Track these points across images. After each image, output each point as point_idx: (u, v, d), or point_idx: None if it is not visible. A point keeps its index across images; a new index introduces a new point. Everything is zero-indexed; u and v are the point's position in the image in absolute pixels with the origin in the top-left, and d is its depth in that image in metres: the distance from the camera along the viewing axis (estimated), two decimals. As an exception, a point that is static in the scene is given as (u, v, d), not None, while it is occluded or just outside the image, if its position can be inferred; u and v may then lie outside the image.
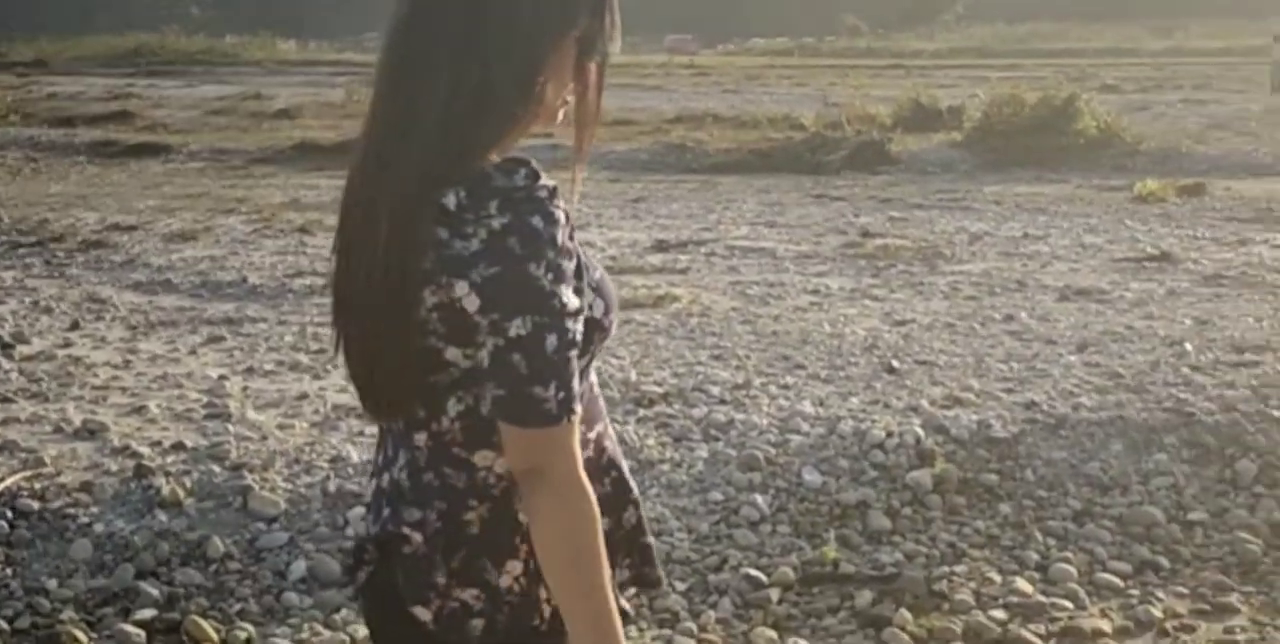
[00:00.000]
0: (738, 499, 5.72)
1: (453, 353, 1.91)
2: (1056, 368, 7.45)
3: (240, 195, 16.19)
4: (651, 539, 2.18)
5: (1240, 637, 4.96)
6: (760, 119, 25.50)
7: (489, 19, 1.89)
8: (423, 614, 1.98)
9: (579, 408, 1.89)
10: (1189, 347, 7.86)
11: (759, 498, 5.75)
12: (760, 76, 43.96)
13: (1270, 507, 5.95)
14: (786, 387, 7.08)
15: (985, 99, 23.14)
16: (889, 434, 6.24)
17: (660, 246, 11.92)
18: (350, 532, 5.30)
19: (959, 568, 5.38)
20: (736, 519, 5.64)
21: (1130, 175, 18.72)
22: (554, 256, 1.82)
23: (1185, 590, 5.33)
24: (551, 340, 1.83)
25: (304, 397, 6.90)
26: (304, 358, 7.72)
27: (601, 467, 2.06)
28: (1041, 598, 5.19)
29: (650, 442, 6.16)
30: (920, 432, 6.27)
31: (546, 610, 2.01)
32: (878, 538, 5.61)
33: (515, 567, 1.99)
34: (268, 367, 7.56)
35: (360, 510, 5.36)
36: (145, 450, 6.00)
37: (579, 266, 1.88)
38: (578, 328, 1.87)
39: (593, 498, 1.90)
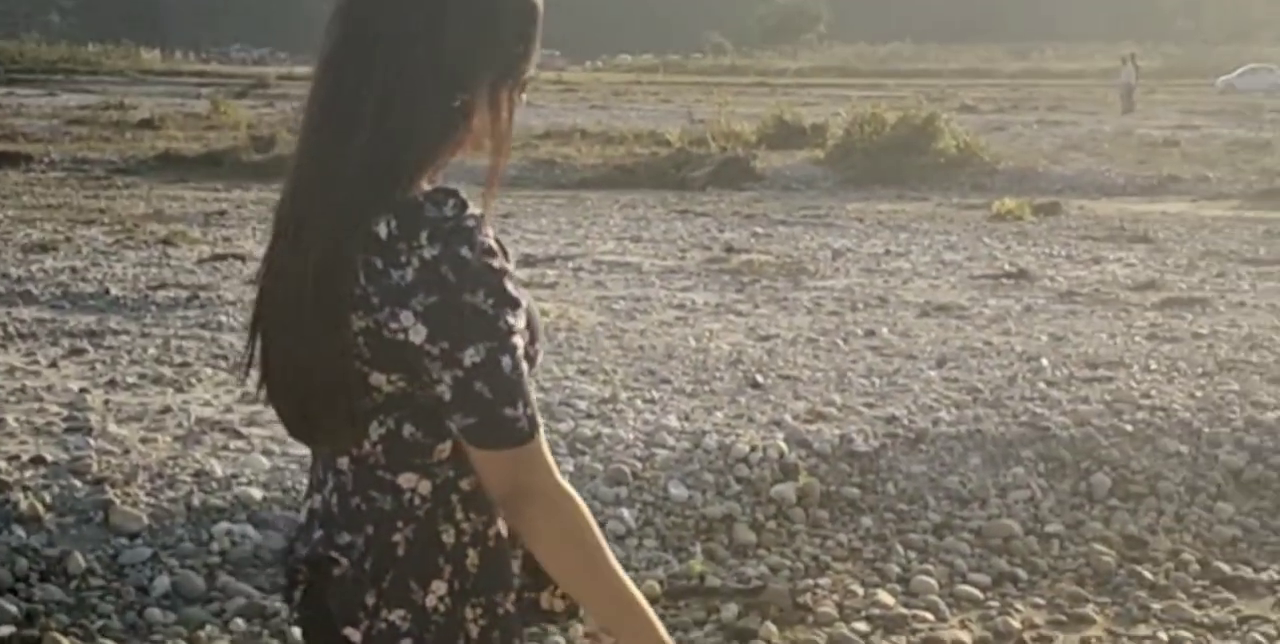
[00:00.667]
0: (604, 513, 5.74)
1: (377, 378, 1.93)
2: (917, 383, 7.57)
3: (102, 206, 15.94)
4: None
5: (1095, 646, 5.08)
6: (627, 135, 25.63)
7: (416, 53, 1.92)
8: (353, 635, 2.00)
9: (542, 421, 1.93)
10: (1045, 362, 8.04)
11: (625, 512, 5.78)
12: (627, 93, 44.17)
13: (1124, 519, 6.10)
14: (652, 401, 7.12)
15: (847, 117, 23.50)
16: (753, 448, 6.30)
17: (528, 261, 11.92)
18: (215, 547, 5.24)
19: (823, 580, 5.45)
20: (603, 533, 5.65)
21: (988, 194, 19.11)
22: (489, 283, 1.86)
23: (1042, 601, 5.45)
24: (506, 362, 1.87)
25: (167, 410, 6.81)
26: (167, 371, 7.61)
27: None
28: (903, 610, 5.27)
29: (517, 456, 6.15)
30: (784, 446, 6.34)
31: (473, 630, 2.03)
32: (743, 551, 5.66)
33: (440, 587, 2.01)
34: (130, 380, 7.44)
35: (226, 526, 5.31)
36: (2, 464, 5.88)
37: (515, 290, 1.91)
38: (522, 345, 1.90)
39: (577, 496, 1.96)
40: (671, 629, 5.04)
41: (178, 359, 7.90)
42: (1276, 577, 5.69)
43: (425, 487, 1.99)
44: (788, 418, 6.78)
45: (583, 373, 7.71)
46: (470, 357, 1.85)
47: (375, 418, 1.97)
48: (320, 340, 1.92)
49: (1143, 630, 5.20)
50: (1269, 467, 6.53)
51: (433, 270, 1.85)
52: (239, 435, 6.34)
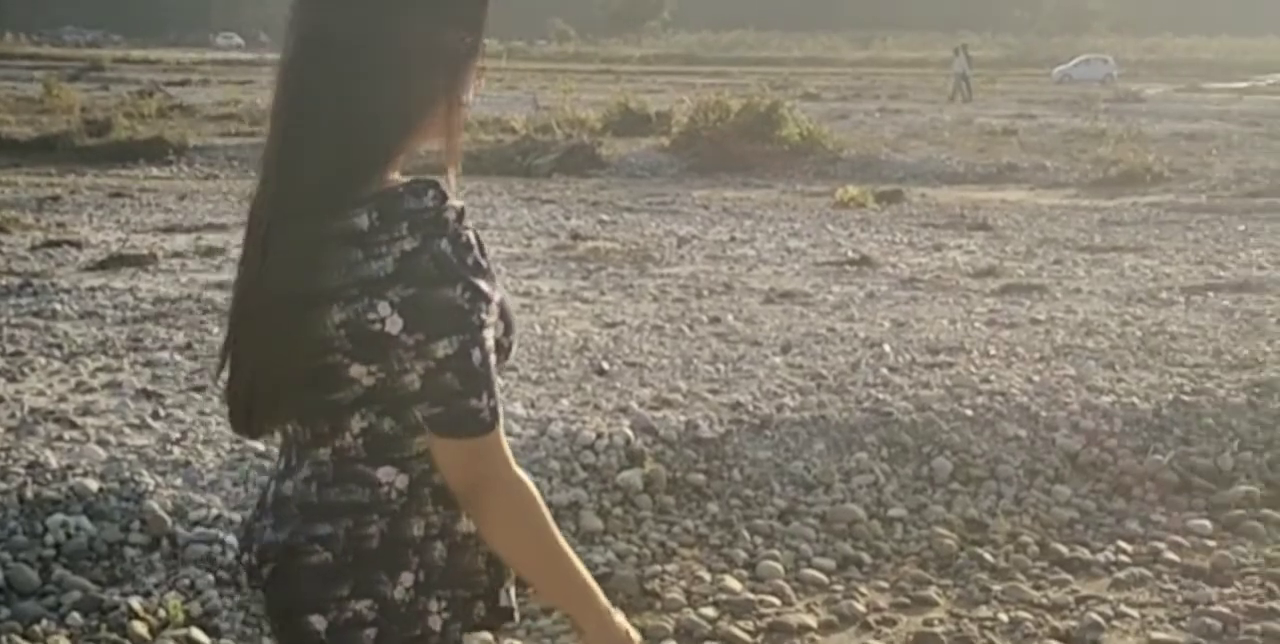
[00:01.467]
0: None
1: (357, 370, 1.97)
2: (761, 369, 7.61)
3: (-73, 191, 15.47)
4: None
5: (938, 628, 5.14)
6: (471, 122, 25.38)
7: (371, 50, 1.97)
8: (318, 623, 2.05)
9: (502, 413, 2.00)
10: (887, 348, 8.13)
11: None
12: (471, 78, 43.77)
13: (965, 502, 6.18)
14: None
15: (692, 105, 23.58)
16: (599, 435, 6.28)
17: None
18: (50, 539, 5.09)
19: (670, 567, 5.46)
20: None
21: (832, 181, 19.31)
22: (467, 275, 1.92)
23: (886, 585, 5.51)
24: (476, 355, 1.93)
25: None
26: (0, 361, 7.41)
27: None
28: (750, 595, 5.30)
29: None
30: (630, 433, 6.34)
31: (435, 623, 2.09)
32: (590, 538, 5.64)
33: (407, 578, 2.06)
34: (-44, 370, 7.22)
35: (60, 518, 5.16)
36: None
37: (489, 282, 1.96)
38: (492, 338, 1.97)
39: (532, 485, 2.02)
40: (519, 617, 5.03)
41: (9, 348, 7.68)
42: (1112, 557, 5.80)
43: (402, 481, 2.05)
44: (634, 405, 6.78)
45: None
46: (443, 348, 1.91)
47: (357, 411, 2.01)
48: (287, 331, 1.96)
49: (984, 612, 5.28)
50: (1104, 450, 6.66)
51: (411, 261, 1.90)
52: (74, 425, 6.18)
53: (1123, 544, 5.93)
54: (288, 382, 2.00)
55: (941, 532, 5.93)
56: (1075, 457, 6.61)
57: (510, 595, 2.20)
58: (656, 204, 16.13)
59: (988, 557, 5.75)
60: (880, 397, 7.03)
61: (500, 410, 1.99)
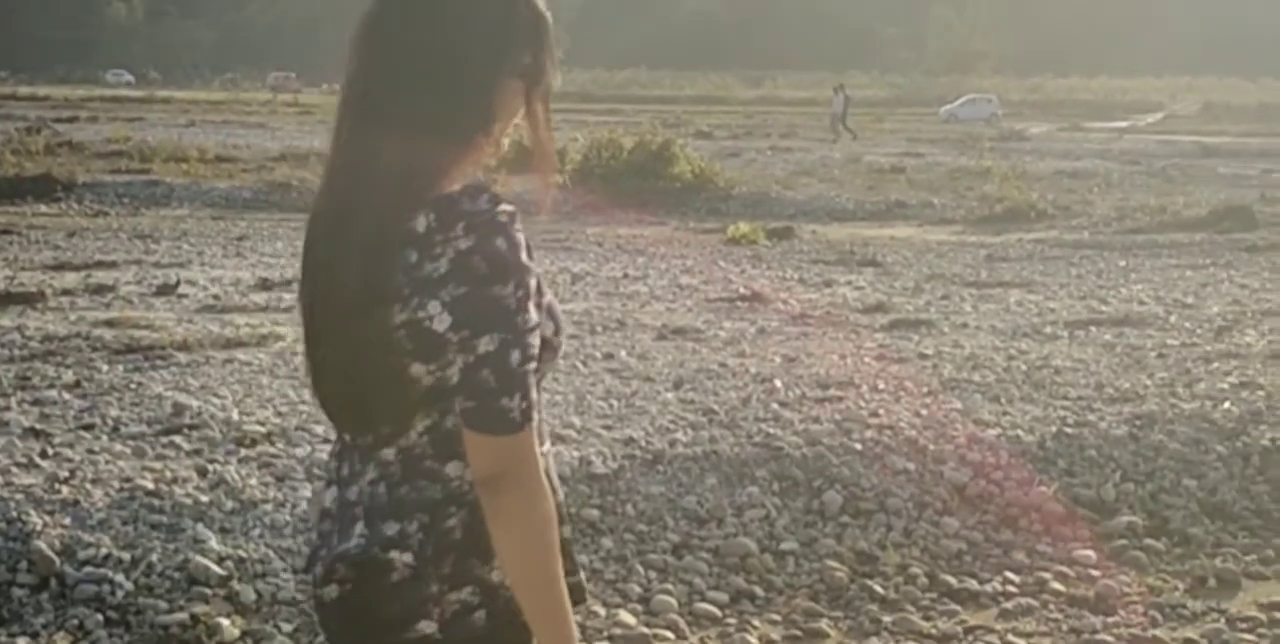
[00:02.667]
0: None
1: (417, 369, 2.05)
2: (654, 405, 7.66)
3: None
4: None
5: (828, 659, 5.20)
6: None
7: (440, 64, 2.08)
8: (427, 627, 2.10)
9: (536, 416, 2.06)
10: (778, 383, 8.20)
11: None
12: (363, 115, 43.64)
13: (855, 535, 6.26)
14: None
15: (585, 142, 23.65)
16: (494, 472, 6.27)
17: (264, 285, 11.73)
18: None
19: (563, 602, 5.46)
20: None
21: (724, 218, 19.47)
22: (518, 276, 2.01)
23: (779, 617, 5.56)
24: (515, 355, 2.01)
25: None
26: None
27: (550, 484, 2.17)
28: (644, 629, 5.32)
29: (253, 481, 6.04)
30: (525, 469, 6.33)
31: None
32: (484, 575, 5.64)
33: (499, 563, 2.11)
34: None
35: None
36: None
37: (538, 285, 2.07)
38: (536, 342, 2.04)
39: (551, 497, 2.08)
40: None
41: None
42: (1000, 588, 5.91)
43: (470, 473, 2.08)
44: (528, 441, 6.77)
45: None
46: (485, 344, 2.00)
47: (420, 410, 2.09)
48: (367, 335, 2.05)
49: (874, 643, 5.35)
50: (991, 482, 6.77)
51: (466, 260, 2.00)
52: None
53: (1010, 575, 6.04)
54: (368, 380, 2.07)
55: (832, 564, 5.99)
56: (963, 489, 6.71)
57: (581, 577, 2.28)
58: (551, 241, 16.17)
59: (878, 588, 5.82)
60: (771, 431, 7.10)
61: (534, 413, 2.04)
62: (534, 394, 2.04)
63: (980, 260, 15.35)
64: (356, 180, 2.08)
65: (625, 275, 13.24)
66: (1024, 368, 8.90)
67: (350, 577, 2.11)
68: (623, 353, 9.15)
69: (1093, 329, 10.48)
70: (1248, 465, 7.20)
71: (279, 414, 7.09)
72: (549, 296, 2.13)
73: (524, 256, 2.03)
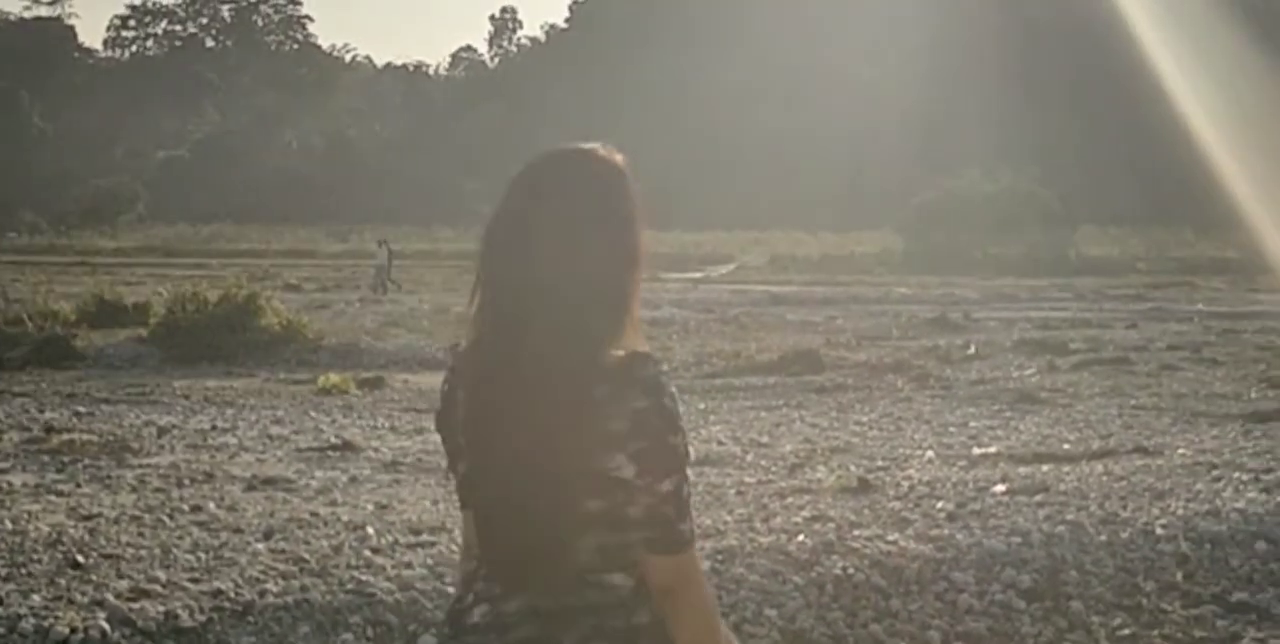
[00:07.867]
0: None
1: (594, 504, 2.51)
2: (244, 556, 7.55)
3: None
4: None
5: None
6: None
7: (600, 246, 2.63)
8: None
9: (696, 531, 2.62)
10: (370, 530, 8.20)
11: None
12: (-67, 271, 41.78)
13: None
14: (-37, 588, 6.74)
15: (169, 296, 23.31)
16: (73, 630, 6.10)
17: None
18: None
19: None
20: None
21: (314, 369, 19.38)
22: (681, 425, 2.54)
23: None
24: (685, 489, 2.56)
25: None
26: None
27: None
28: None
29: None
30: (106, 625, 6.17)
31: None
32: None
33: None
34: None
35: None
36: None
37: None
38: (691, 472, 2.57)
39: (715, 602, 2.70)
40: None
41: None
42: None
43: (629, 582, 2.56)
44: (109, 597, 6.60)
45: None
46: (666, 486, 2.52)
47: (588, 531, 2.53)
48: (557, 488, 2.50)
49: None
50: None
51: (644, 419, 2.49)
52: None
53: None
54: (559, 528, 2.51)
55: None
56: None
57: None
58: (136, 394, 15.77)
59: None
60: (363, 578, 7.10)
61: (695, 530, 2.59)
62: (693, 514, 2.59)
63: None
64: (536, 365, 2.54)
65: (214, 427, 13.02)
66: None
67: None
68: (211, 505, 8.99)
69: (675, 468, 10.83)
70: (823, 594, 7.55)
71: None
72: None
73: (681, 408, 2.55)
